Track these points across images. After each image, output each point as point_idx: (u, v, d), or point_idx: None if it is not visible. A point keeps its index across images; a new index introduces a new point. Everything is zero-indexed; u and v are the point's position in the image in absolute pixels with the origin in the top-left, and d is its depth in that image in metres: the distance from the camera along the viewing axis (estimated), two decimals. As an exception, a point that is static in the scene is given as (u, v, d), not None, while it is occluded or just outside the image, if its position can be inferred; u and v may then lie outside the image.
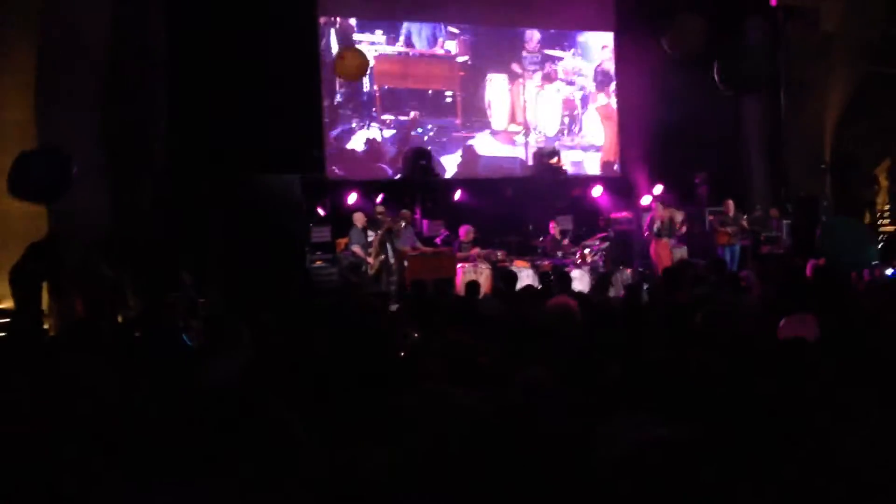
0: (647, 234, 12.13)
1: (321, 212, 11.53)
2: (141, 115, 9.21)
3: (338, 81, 12.53)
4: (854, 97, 13.98)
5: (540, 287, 8.06)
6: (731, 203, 12.53)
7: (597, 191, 13.66)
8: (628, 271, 11.75)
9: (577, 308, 6.04)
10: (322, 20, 12.50)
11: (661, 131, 13.60)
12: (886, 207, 14.14)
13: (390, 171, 12.90)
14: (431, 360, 3.70)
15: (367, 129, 12.83)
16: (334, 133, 12.62)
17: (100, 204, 8.40)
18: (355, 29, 12.72)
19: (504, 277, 8.04)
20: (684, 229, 12.24)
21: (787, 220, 13.03)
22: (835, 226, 10.42)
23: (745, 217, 12.61)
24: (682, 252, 12.26)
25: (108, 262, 8.15)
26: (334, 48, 12.44)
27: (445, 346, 3.76)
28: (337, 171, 12.54)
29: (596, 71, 14.69)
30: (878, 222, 13.90)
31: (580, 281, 10.89)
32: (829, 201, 13.33)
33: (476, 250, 11.43)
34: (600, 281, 7.96)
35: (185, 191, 9.54)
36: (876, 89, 13.67)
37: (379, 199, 11.59)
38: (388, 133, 12.97)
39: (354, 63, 10.39)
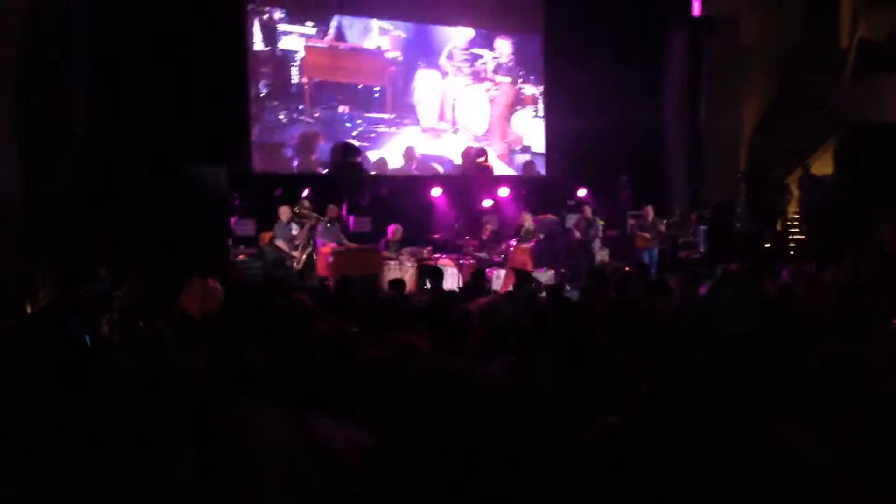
0: (578, 235, 12.40)
1: (246, 205, 11.29)
2: (59, 102, 8.83)
3: (263, 72, 12.33)
4: (770, 108, 14.52)
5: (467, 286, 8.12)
6: (650, 209, 12.89)
7: (523, 191, 13.80)
8: (551, 272, 11.90)
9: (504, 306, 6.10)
10: (248, 8, 12.25)
11: (586, 134, 13.88)
12: (796, 216, 14.72)
13: (318, 166, 12.75)
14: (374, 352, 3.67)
15: (296, 122, 12.64)
16: (261, 125, 12.39)
17: (10, 191, 8.02)
18: (285, 20, 12.51)
19: (431, 274, 8.04)
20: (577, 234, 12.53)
21: (703, 226, 13.44)
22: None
23: (663, 222, 12.99)
24: (603, 254, 12.53)
25: (18, 251, 7.81)
26: (257, 38, 12.24)
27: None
28: (263, 164, 12.31)
29: (525, 73, 14.85)
30: (789, 231, 14.45)
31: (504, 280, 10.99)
32: (744, 208, 13.80)
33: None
34: (518, 279, 8.03)
35: (104, 180, 9.21)
36: (790, 101, 14.23)
37: (305, 193, 11.42)
38: (317, 127, 12.81)
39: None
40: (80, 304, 7.34)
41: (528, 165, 14.87)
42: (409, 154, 13.51)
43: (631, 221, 13.36)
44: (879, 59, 13.30)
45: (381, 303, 5.58)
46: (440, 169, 13.87)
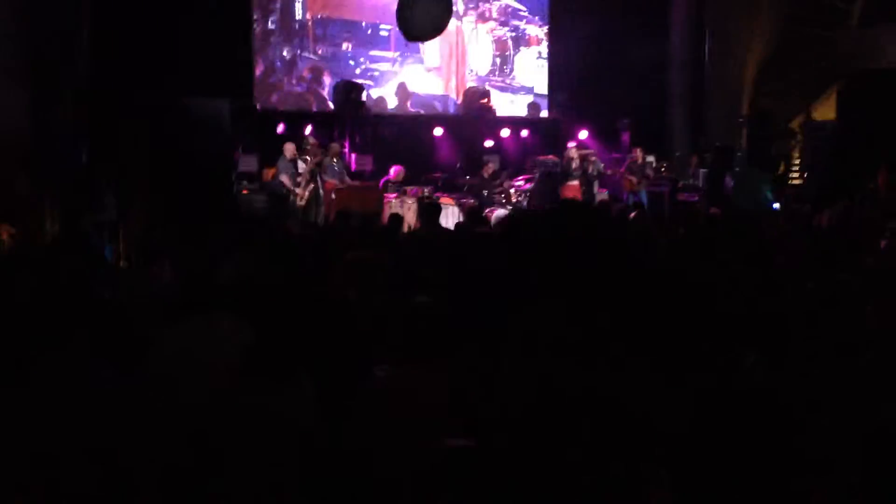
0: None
1: (249, 140, 11.38)
2: (65, 29, 8.82)
3: (267, 7, 12.30)
4: (774, 51, 14.44)
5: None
6: (638, 151, 12.98)
7: (524, 132, 13.87)
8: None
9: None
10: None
11: (589, 76, 13.87)
12: (797, 161, 14.75)
13: (320, 103, 12.80)
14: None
15: (299, 58, 12.66)
16: (264, 61, 12.41)
17: (19, 121, 8.11)
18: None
19: (426, 210, 8.17)
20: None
21: (704, 169, 13.50)
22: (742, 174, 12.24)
23: (652, 165, 13.07)
24: (603, 196, 12.65)
25: (26, 181, 7.95)
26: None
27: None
28: (266, 100, 12.37)
29: (529, 13, 14.74)
30: (790, 175, 14.50)
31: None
32: (744, 152, 13.84)
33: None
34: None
35: (108, 110, 9.30)
36: (795, 45, 14.14)
37: (308, 129, 11.51)
38: (320, 63, 12.82)
39: None
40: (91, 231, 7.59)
41: (532, 107, 14.88)
42: (402, 92, 13.52)
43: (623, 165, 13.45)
44: (885, 7, 13.20)
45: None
46: (440, 108, 13.89)
